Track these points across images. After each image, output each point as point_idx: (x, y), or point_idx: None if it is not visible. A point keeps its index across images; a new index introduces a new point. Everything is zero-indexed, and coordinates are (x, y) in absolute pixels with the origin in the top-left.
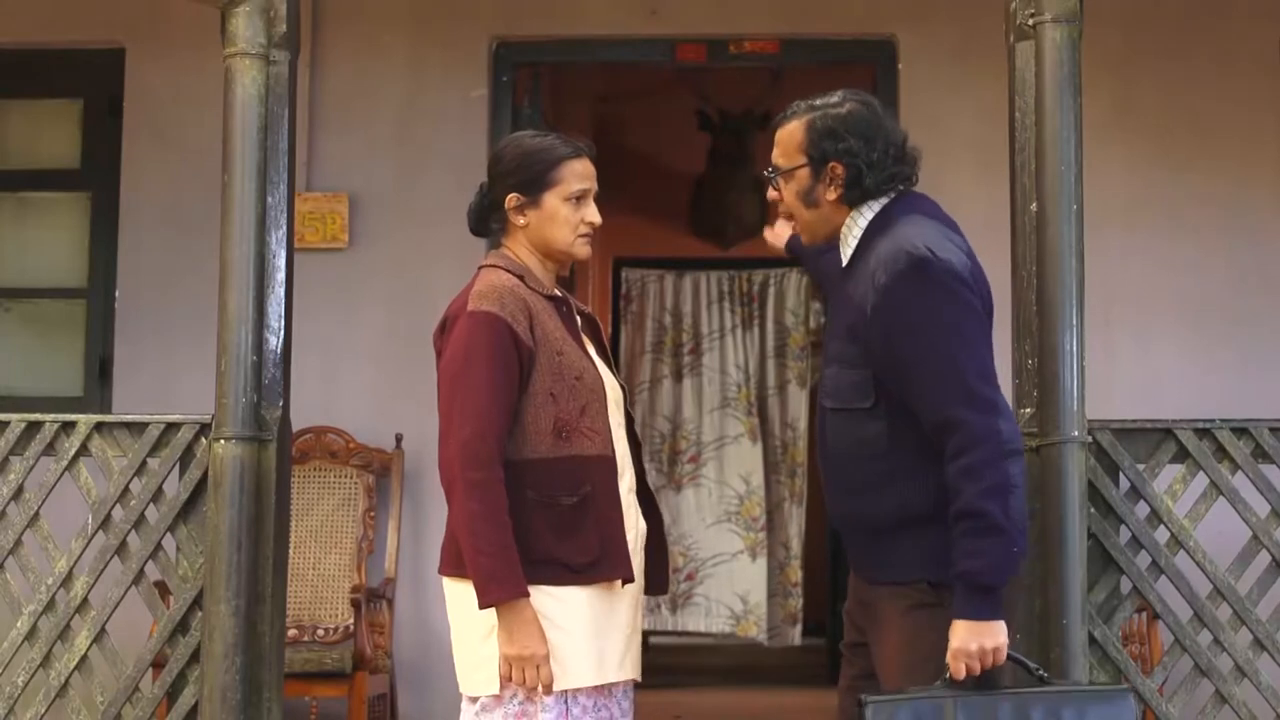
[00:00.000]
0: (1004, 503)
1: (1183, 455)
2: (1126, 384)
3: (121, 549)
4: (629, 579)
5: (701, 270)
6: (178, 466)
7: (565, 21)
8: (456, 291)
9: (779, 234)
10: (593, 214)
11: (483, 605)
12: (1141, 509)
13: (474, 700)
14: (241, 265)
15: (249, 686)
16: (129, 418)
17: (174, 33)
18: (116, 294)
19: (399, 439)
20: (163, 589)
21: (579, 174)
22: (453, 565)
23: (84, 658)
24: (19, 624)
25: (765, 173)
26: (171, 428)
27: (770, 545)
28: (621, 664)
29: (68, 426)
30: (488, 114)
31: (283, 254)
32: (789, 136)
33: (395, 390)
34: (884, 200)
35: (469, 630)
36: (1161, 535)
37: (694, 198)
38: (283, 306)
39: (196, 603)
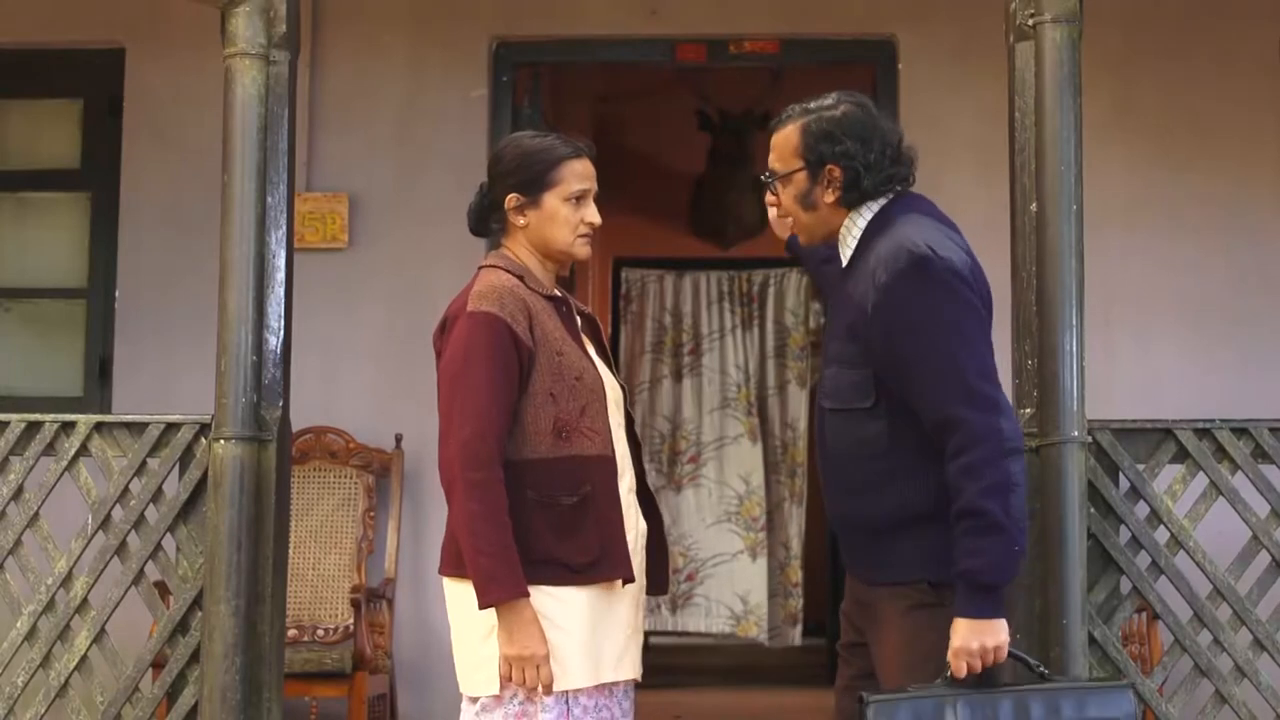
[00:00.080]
0: (1005, 501)
1: (1183, 455)
2: (1126, 384)
3: (121, 549)
4: (629, 579)
5: (701, 270)
6: (177, 467)
7: (565, 21)
8: (456, 292)
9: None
10: (592, 214)
11: (483, 605)
12: (1141, 509)
13: (474, 700)
14: (241, 265)
15: (249, 686)
16: (129, 418)
17: (174, 33)
18: (116, 294)
19: (399, 439)
20: (162, 589)
21: (579, 174)
22: (453, 565)
23: (84, 658)
24: (19, 624)
25: (762, 177)
26: (171, 428)
27: (770, 545)
28: (621, 664)
29: (67, 426)
30: (488, 114)
31: (282, 254)
32: (785, 141)
33: (395, 390)
34: (882, 201)
35: (469, 630)
36: (1161, 535)
37: (694, 198)
38: (282, 306)
39: (196, 603)
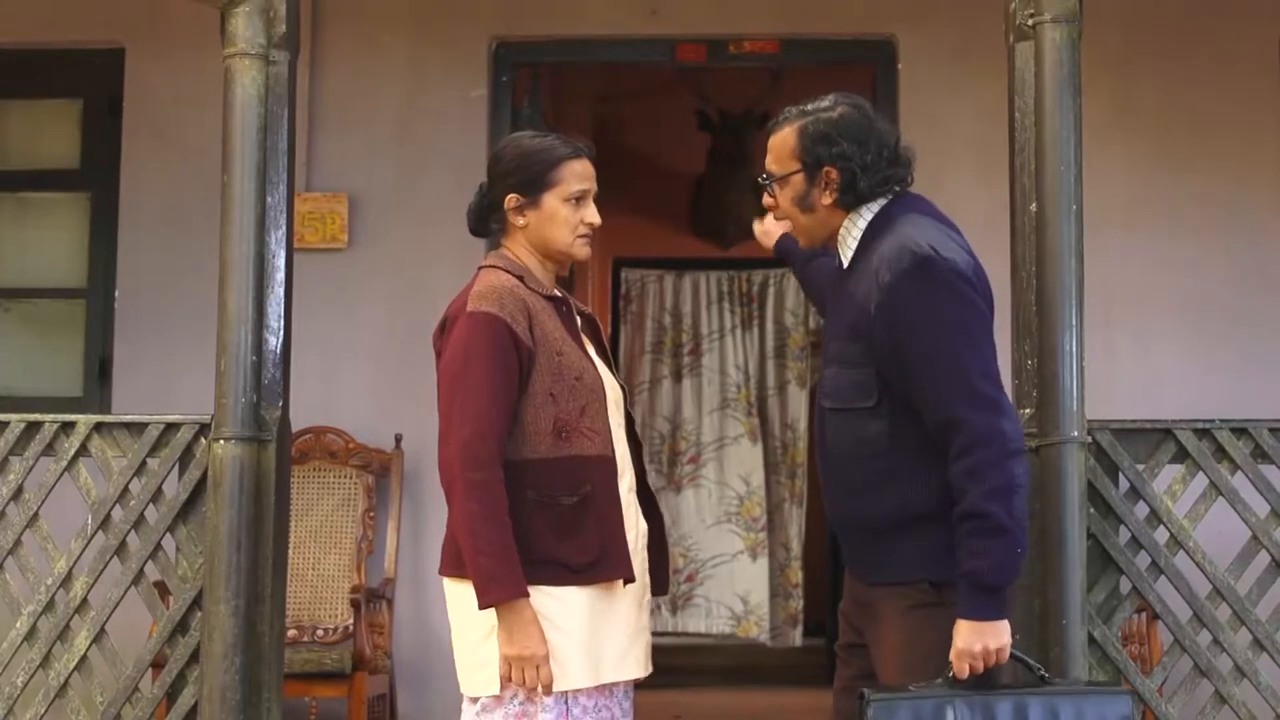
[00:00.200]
0: (1008, 503)
1: (1182, 455)
2: (1126, 384)
3: (121, 549)
4: (629, 579)
5: (701, 270)
6: (177, 467)
7: (565, 21)
8: (456, 292)
9: (769, 231)
10: (592, 215)
11: (482, 605)
12: (1141, 509)
13: (474, 700)
14: (241, 265)
15: (248, 687)
16: (128, 418)
17: (174, 33)
18: (116, 294)
19: (398, 439)
20: (162, 589)
21: (578, 175)
22: (453, 565)
23: (83, 658)
24: (18, 624)
25: (760, 179)
26: (171, 428)
27: (771, 546)
28: (624, 664)
29: (67, 427)
30: (487, 114)
31: (282, 254)
32: (782, 143)
33: (395, 390)
34: (882, 202)
35: (469, 630)
36: (1161, 535)
37: (694, 198)
38: (282, 306)
39: (196, 603)
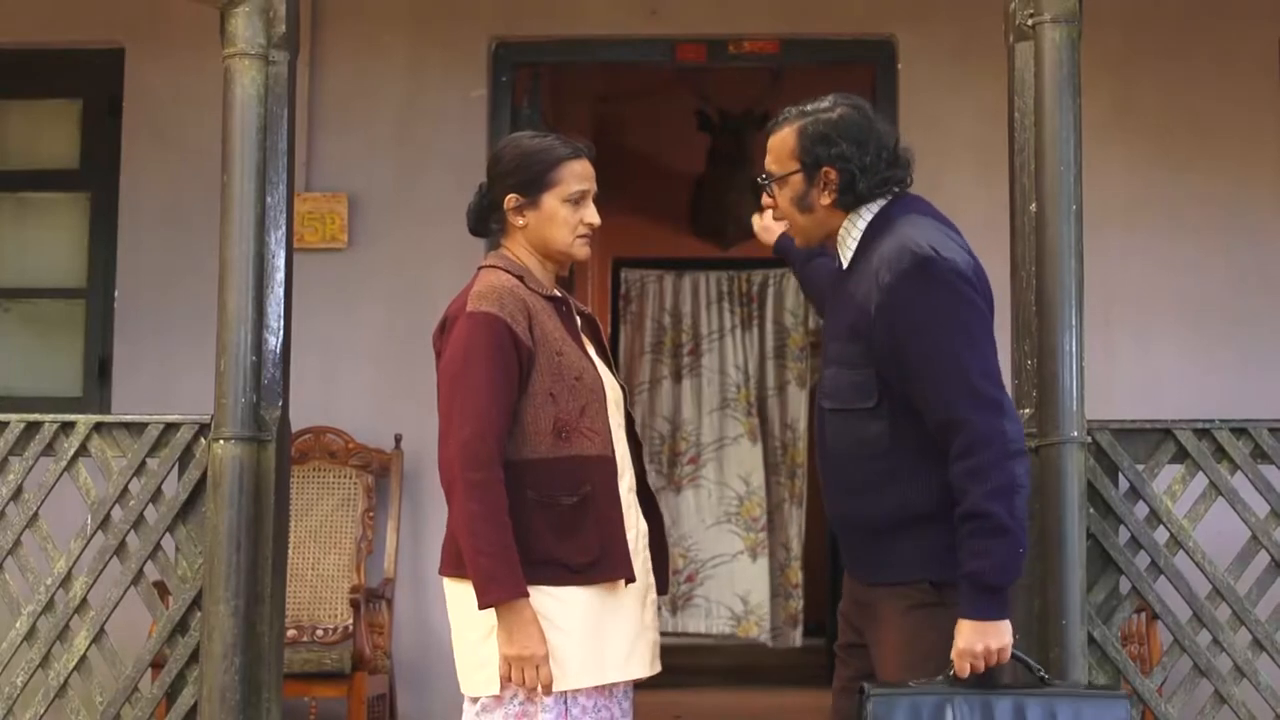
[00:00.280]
0: (1010, 504)
1: (1182, 455)
2: (1126, 384)
3: (120, 549)
4: (630, 579)
5: (701, 270)
6: (177, 467)
7: (565, 21)
8: (456, 292)
9: (769, 227)
10: (592, 215)
11: (482, 605)
12: (1141, 509)
13: (474, 701)
14: (241, 265)
15: (248, 687)
16: (128, 418)
17: (173, 33)
18: (116, 294)
19: (398, 439)
20: (162, 589)
21: (578, 175)
22: (453, 566)
23: (83, 658)
24: (18, 624)
25: (759, 179)
26: (170, 428)
27: (771, 546)
28: (629, 663)
29: (67, 427)
30: (487, 114)
31: (282, 254)
32: (781, 143)
33: (394, 390)
34: (881, 202)
35: (469, 631)
36: (1161, 535)
37: (693, 198)
38: (282, 307)
39: (195, 603)
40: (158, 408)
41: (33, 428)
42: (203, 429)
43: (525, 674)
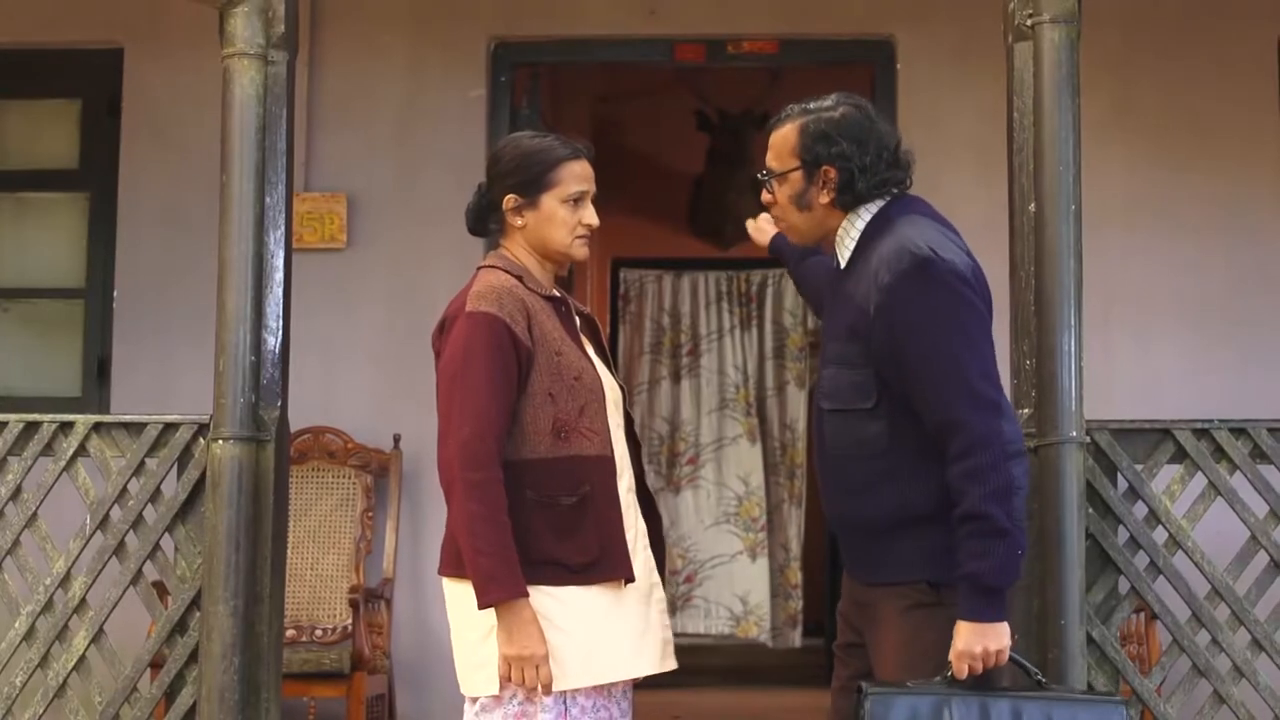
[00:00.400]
0: (1008, 505)
1: (1181, 455)
2: (1125, 384)
3: (119, 549)
4: (629, 579)
5: (700, 271)
6: (176, 467)
7: (564, 21)
8: (455, 291)
9: (762, 228)
10: (590, 216)
11: (482, 605)
12: (1140, 509)
13: (474, 701)
14: (240, 265)
15: (247, 687)
16: (127, 418)
17: (172, 33)
18: (115, 294)
19: (397, 439)
20: (161, 589)
21: (577, 176)
22: (452, 566)
23: (82, 658)
24: (17, 624)
25: (759, 175)
26: (169, 428)
27: (770, 546)
28: (635, 661)
29: (66, 427)
30: (486, 114)
31: (281, 254)
32: (782, 140)
33: (393, 390)
34: (880, 203)
35: (468, 630)
36: (1160, 535)
37: (693, 198)
38: (281, 307)
39: (195, 603)
40: (157, 408)
41: (31, 428)
42: (202, 429)
43: (525, 674)
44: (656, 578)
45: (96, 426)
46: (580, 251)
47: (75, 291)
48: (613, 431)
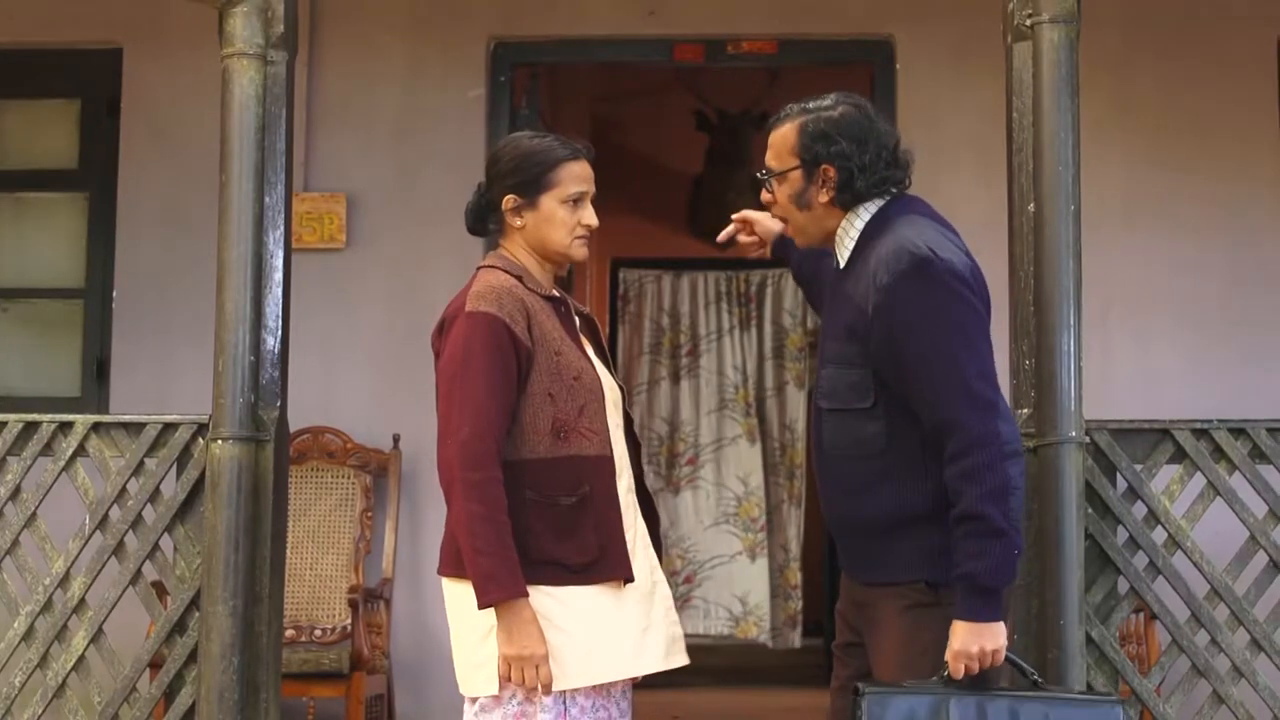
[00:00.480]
0: (1004, 505)
1: (1180, 455)
2: (1124, 384)
3: (119, 549)
4: (629, 579)
5: (699, 271)
6: (175, 467)
7: (563, 22)
8: (454, 292)
9: (757, 226)
10: (590, 216)
11: (482, 605)
12: (1139, 509)
13: (473, 701)
14: (239, 265)
15: (246, 687)
16: (126, 418)
17: (172, 33)
18: (114, 294)
19: (396, 439)
20: (160, 589)
21: (577, 176)
22: (452, 565)
23: (81, 658)
24: (16, 624)
25: (758, 174)
26: (169, 428)
27: (770, 547)
28: (637, 660)
29: (65, 427)
30: (485, 114)
31: (280, 254)
32: (782, 139)
33: (393, 390)
34: (879, 202)
35: (468, 630)
36: (1159, 535)
37: (692, 198)
38: (280, 307)
39: (194, 603)
40: (156, 408)
41: (31, 428)
42: (201, 429)
43: (525, 674)
44: (660, 575)
45: (96, 426)
46: (579, 252)
47: (75, 291)
48: (612, 432)
